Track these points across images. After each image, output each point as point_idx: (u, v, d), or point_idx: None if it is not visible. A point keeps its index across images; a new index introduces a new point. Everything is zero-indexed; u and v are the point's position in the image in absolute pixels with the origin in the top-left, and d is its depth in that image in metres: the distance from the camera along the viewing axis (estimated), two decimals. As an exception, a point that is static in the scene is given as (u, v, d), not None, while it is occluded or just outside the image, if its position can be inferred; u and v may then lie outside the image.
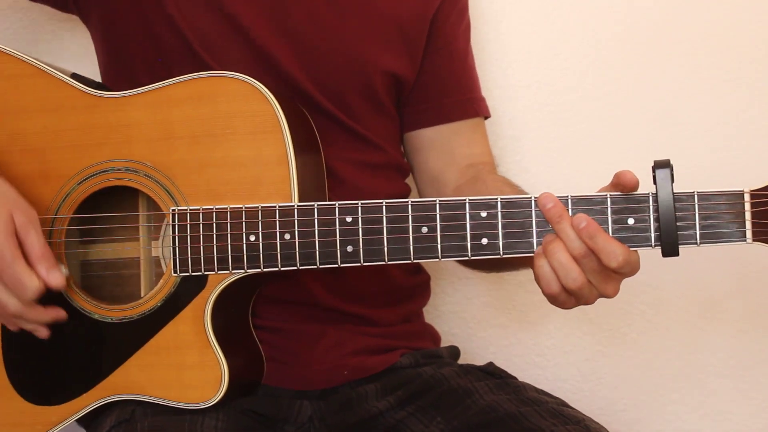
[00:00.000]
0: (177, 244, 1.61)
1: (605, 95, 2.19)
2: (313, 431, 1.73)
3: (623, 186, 1.48)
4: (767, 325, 2.20)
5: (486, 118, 1.97)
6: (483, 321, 2.24)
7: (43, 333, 1.64)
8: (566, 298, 1.52)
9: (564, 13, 2.18)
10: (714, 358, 2.21)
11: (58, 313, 1.64)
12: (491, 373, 1.80)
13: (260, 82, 1.61)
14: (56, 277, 1.58)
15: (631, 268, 1.49)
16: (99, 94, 1.67)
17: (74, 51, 2.14)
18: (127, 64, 1.77)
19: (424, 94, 1.89)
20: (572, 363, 2.23)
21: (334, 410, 1.74)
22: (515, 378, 1.81)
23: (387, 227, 1.53)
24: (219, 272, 1.60)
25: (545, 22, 2.18)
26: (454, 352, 1.92)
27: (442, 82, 1.90)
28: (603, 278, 1.49)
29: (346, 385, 1.77)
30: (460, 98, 1.92)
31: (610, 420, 2.15)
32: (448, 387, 1.74)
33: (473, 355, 2.22)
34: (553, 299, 1.53)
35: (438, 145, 1.91)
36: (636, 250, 1.48)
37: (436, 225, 1.52)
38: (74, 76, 1.70)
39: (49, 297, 1.62)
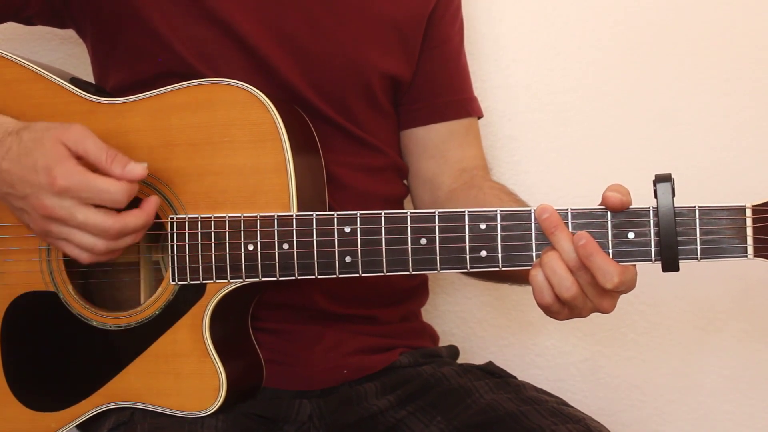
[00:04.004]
0: (176, 253, 1.60)
1: (605, 95, 2.18)
2: (312, 430, 1.73)
3: (609, 207, 1.47)
4: (767, 325, 2.20)
5: (479, 118, 1.96)
6: (482, 320, 2.24)
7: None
8: (559, 308, 1.51)
9: (564, 13, 2.17)
10: (713, 358, 2.21)
11: (151, 205, 1.56)
12: (491, 372, 1.80)
13: (259, 89, 1.60)
14: (136, 169, 1.52)
15: (626, 288, 1.49)
16: (98, 100, 1.65)
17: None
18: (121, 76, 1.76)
19: (416, 93, 1.89)
20: (572, 363, 2.23)
21: (333, 409, 1.74)
22: (515, 377, 1.81)
23: (386, 238, 1.52)
24: (217, 281, 1.59)
25: (545, 22, 2.17)
26: (454, 351, 1.92)
27: (435, 82, 1.89)
28: (598, 292, 1.49)
29: (346, 384, 1.77)
30: (452, 98, 1.92)
31: (610, 420, 2.14)
32: (448, 386, 1.74)
33: (472, 354, 2.22)
34: (547, 309, 1.53)
35: (431, 146, 1.90)
36: (634, 265, 1.48)
37: (435, 237, 1.51)
38: (73, 80, 1.68)
39: (48, 306, 1.64)
